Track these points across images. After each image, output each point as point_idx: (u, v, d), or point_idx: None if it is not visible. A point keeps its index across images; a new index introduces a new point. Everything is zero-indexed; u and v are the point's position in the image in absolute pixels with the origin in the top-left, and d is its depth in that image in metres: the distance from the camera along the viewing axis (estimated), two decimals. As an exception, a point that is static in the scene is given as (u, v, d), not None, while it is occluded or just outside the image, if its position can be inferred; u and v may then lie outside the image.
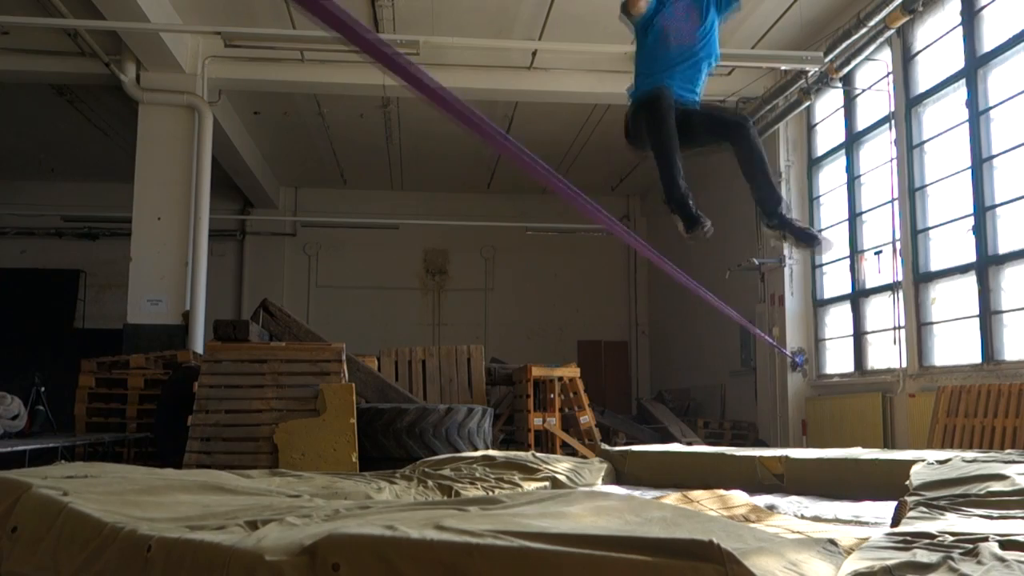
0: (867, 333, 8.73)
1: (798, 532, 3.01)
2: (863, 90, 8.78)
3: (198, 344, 8.89)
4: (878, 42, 7.88)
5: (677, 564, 1.72)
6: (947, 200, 7.51)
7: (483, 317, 15.63)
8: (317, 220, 15.09)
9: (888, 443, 7.87)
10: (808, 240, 4.43)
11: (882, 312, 8.40)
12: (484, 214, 14.96)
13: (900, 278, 7.94)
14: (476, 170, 14.31)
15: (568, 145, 13.02)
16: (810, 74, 8.70)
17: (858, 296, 8.84)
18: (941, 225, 7.59)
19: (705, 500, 3.71)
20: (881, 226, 8.45)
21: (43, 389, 7.60)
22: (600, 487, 4.70)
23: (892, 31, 7.65)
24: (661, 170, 4.14)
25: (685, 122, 4.22)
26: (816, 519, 3.60)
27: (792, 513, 3.77)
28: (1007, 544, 2.13)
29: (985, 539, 2.17)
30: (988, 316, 6.82)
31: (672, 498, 3.75)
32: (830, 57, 8.26)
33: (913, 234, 7.81)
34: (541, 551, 1.77)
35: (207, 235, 9.51)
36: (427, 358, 8.97)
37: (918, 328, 7.73)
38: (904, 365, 7.81)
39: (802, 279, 9.85)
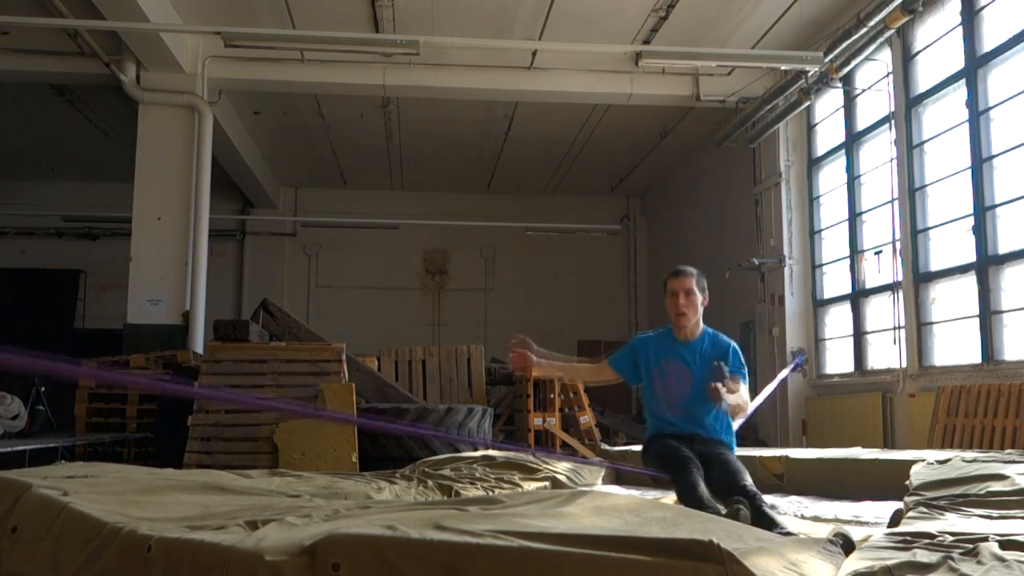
0: (867, 333, 8.72)
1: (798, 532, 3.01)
2: (863, 90, 8.78)
3: (198, 344, 8.89)
4: (878, 42, 7.88)
5: (677, 564, 1.71)
6: (947, 200, 7.51)
7: (483, 317, 15.63)
8: (317, 220, 15.09)
9: (888, 443, 7.87)
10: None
11: (882, 312, 8.40)
12: (484, 214, 14.95)
13: (900, 278, 7.94)
14: (476, 170, 14.31)
15: (568, 145, 13.01)
16: (810, 74, 8.69)
17: (858, 296, 8.84)
18: (941, 225, 7.59)
19: (705, 500, 3.70)
20: (881, 226, 8.44)
21: (43, 389, 7.60)
22: (600, 487, 4.70)
23: (892, 31, 7.65)
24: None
25: (705, 464, 3.74)
26: (816, 519, 3.60)
27: (792, 513, 3.77)
28: (1007, 544, 2.13)
29: (985, 539, 2.17)
30: (988, 316, 6.82)
31: (672, 499, 3.74)
32: (830, 57, 8.26)
33: (913, 234, 7.80)
34: (541, 551, 1.77)
35: (207, 235, 9.50)
36: (427, 358, 8.97)
37: (918, 328, 7.73)
38: (904, 365, 7.81)
39: (802, 279, 9.85)
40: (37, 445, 6.13)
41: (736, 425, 4.18)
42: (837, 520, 3.53)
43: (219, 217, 12.80)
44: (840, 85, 8.85)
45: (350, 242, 15.43)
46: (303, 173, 14.83)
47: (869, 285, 8.66)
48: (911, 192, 7.85)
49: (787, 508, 3.89)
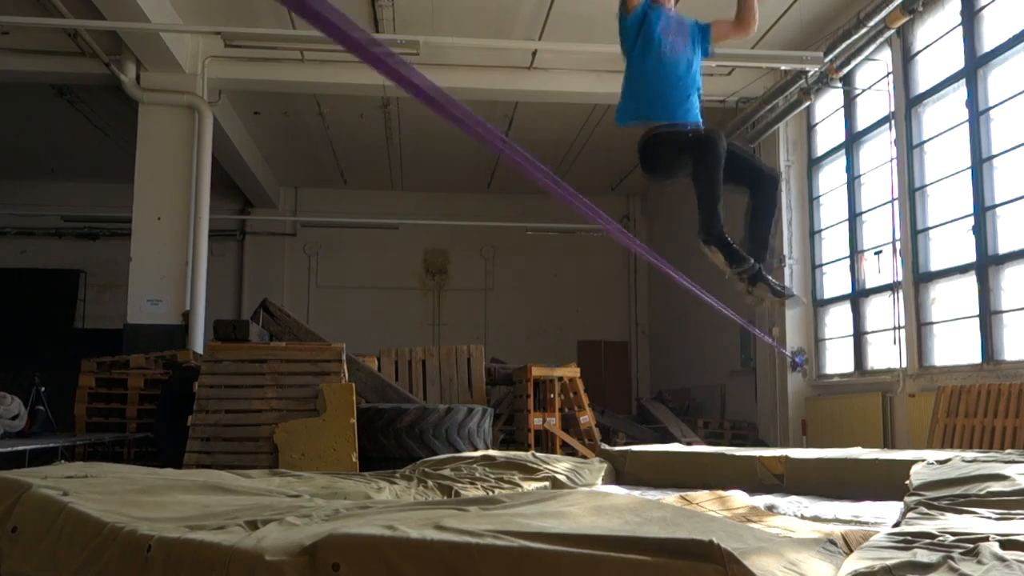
0: (867, 333, 8.73)
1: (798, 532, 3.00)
2: (863, 90, 8.78)
3: (198, 344, 8.89)
4: (878, 42, 7.88)
5: (677, 564, 1.71)
6: (947, 200, 7.51)
7: (483, 317, 15.63)
8: (317, 220, 15.09)
9: (888, 443, 7.87)
10: (780, 294, 4.33)
11: (882, 312, 8.40)
12: (484, 214, 14.95)
13: (900, 278, 7.94)
14: (476, 170, 14.31)
15: (568, 145, 13.02)
16: (810, 74, 8.70)
17: (858, 296, 8.84)
18: (941, 225, 7.59)
19: (705, 501, 3.71)
20: (881, 226, 8.45)
21: (43, 389, 7.59)
22: (600, 487, 4.69)
23: (892, 31, 7.66)
24: (704, 209, 4.13)
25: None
26: (816, 519, 3.59)
27: (792, 513, 3.76)
28: (1007, 544, 2.13)
29: (985, 539, 2.17)
30: (988, 316, 6.82)
31: (672, 499, 3.74)
32: (830, 57, 8.26)
33: (913, 234, 7.81)
34: (541, 551, 1.77)
35: (207, 235, 9.51)
36: (427, 358, 8.97)
37: (918, 328, 7.73)
38: (904, 365, 7.81)
39: (802, 279, 9.85)
40: (37, 445, 6.12)
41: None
42: (837, 520, 3.53)
43: (219, 217, 12.81)
44: (840, 85, 8.85)
45: (350, 242, 15.43)
46: (303, 173, 14.83)
47: (869, 285, 8.66)
48: (911, 192, 7.86)
49: (787, 508, 3.88)
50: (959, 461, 3.82)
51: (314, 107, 11.52)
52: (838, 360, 9.35)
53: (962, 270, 7.19)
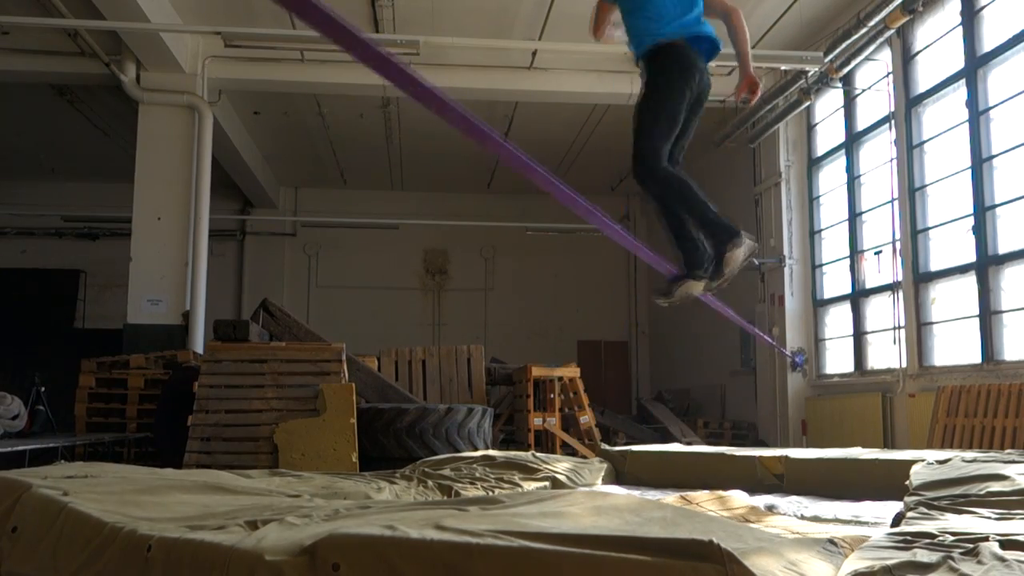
0: (867, 333, 8.73)
1: (798, 532, 3.01)
2: (863, 90, 8.78)
3: (198, 344, 8.89)
4: (878, 42, 7.88)
5: (677, 564, 1.71)
6: (947, 200, 7.51)
7: (483, 317, 15.63)
8: (317, 220, 15.09)
9: (888, 443, 7.88)
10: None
11: (882, 312, 8.41)
12: (484, 214, 14.95)
13: (900, 278, 7.94)
14: (476, 170, 14.30)
15: (568, 145, 13.01)
16: (810, 74, 8.70)
17: (858, 296, 8.84)
18: (941, 225, 7.59)
19: (705, 501, 3.71)
20: (881, 226, 8.45)
21: (43, 389, 7.59)
22: (600, 487, 4.69)
23: (892, 31, 7.66)
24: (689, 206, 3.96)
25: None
26: (816, 519, 3.60)
27: (792, 513, 3.77)
28: (1007, 544, 2.13)
29: (985, 539, 2.17)
30: (988, 316, 6.82)
31: (672, 498, 3.75)
32: (830, 57, 8.26)
33: (913, 234, 7.81)
34: (541, 551, 1.77)
35: (207, 235, 9.51)
36: (427, 358, 8.97)
37: (918, 328, 7.73)
38: (904, 365, 7.81)
39: (802, 279, 9.85)
40: (37, 445, 6.12)
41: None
42: (837, 520, 3.53)
43: (219, 217, 12.80)
44: (840, 85, 8.85)
45: (350, 242, 15.43)
46: (303, 173, 14.83)
47: (869, 285, 8.66)
48: (911, 192, 7.86)
49: (787, 508, 3.88)
50: (959, 461, 3.82)
51: (314, 107, 11.52)
52: (838, 360, 9.36)
53: (962, 270, 7.20)
